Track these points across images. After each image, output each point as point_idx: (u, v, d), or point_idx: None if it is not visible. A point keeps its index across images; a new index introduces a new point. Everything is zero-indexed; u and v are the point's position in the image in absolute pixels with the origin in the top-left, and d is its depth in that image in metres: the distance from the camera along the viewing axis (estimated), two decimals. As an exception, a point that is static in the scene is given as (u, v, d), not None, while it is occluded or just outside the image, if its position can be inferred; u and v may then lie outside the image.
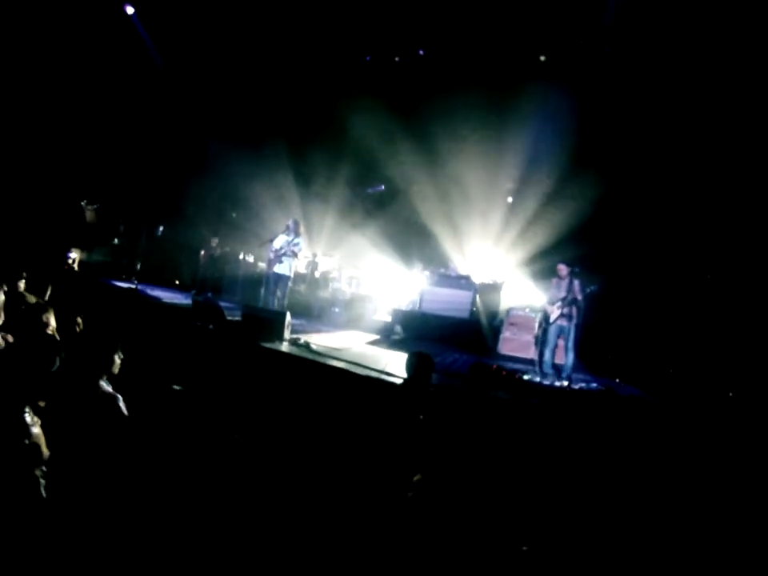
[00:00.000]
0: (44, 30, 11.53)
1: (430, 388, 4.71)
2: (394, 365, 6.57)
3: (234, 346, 6.64)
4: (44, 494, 2.25)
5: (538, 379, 7.69)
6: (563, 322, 7.85)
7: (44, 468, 2.28)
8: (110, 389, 3.02)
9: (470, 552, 2.01)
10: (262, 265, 11.75)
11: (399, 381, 5.61)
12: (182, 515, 2.91)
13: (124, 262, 12.48)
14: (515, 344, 9.66)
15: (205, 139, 13.74)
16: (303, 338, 7.31)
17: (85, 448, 2.63)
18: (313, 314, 11.38)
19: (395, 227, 13.62)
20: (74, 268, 11.55)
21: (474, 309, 10.52)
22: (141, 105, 13.34)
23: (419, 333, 10.15)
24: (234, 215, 14.61)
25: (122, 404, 2.98)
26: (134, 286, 10.03)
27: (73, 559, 2.32)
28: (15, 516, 2.11)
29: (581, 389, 7.39)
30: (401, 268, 12.60)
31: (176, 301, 9.82)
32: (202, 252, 12.51)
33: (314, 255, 12.65)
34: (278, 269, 9.56)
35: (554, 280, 8.10)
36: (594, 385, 7.79)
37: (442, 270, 11.50)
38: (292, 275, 9.81)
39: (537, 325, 8.84)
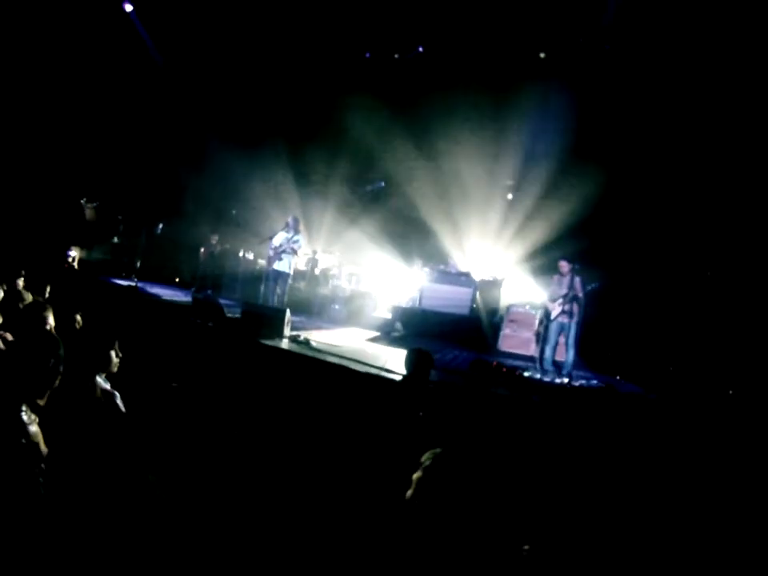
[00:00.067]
0: (44, 28, 11.50)
1: (429, 385, 4.70)
2: (394, 362, 6.57)
3: (233, 343, 6.63)
4: (42, 492, 2.25)
5: (538, 376, 7.68)
6: (564, 319, 7.84)
7: (42, 466, 2.27)
8: (107, 386, 3.02)
9: (471, 551, 2.00)
10: (262, 262, 11.75)
11: (399, 377, 5.60)
12: (180, 513, 2.91)
13: (124, 260, 12.48)
14: (515, 341, 9.65)
15: (204, 137, 13.73)
16: (303, 335, 7.30)
17: (83, 445, 2.63)
18: (313, 311, 11.37)
19: (395, 224, 13.61)
20: (73, 266, 11.55)
21: (474, 305, 10.51)
22: (140, 103, 13.32)
23: (419, 330, 10.14)
24: (233, 213, 14.61)
25: (119, 401, 2.97)
26: (133, 284, 10.03)
27: (72, 558, 2.31)
28: (14, 514, 2.10)
29: (581, 386, 7.38)
30: (401, 265, 12.59)
31: (176, 298, 9.81)
32: (202, 249, 12.51)
33: (314, 252, 12.64)
34: (278, 266, 9.56)
35: (556, 277, 8.08)
36: (595, 382, 7.78)
37: (442, 267, 11.49)
38: (292, 272, 9.81)
39: (537, 322, 8.82)
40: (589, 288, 7.86)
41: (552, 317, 7.92)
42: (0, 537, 2.04)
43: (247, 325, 7.33)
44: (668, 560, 3.25)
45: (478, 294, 10.60)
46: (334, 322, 10.75)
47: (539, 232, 11.64)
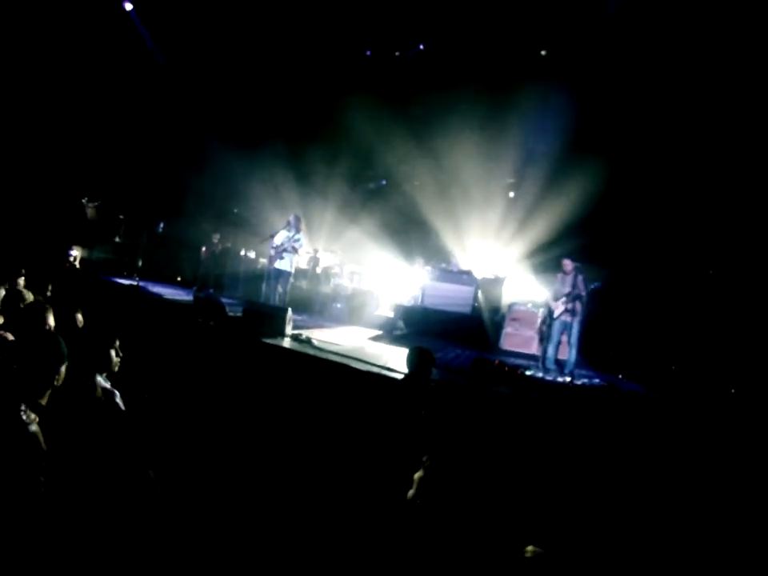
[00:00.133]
0: (44, 27, 11.50)
1: (431, 383, 4.69)
2: (396, 360, 6.55)
3: (235, 341, 6.63)
4: (43, 491, 2.24)
5: (540, 375, 7.65)
6: (567, 318, 7.82)
7: (43, 464, 2.27)
8: (107, 385, 3.01)
9: (472, 550, 1.99)
10: (263, 261, 11.75)
11: (401, 376, 5.59)
12: (180, 512, 2.90)
13: (125, 260, 12.50)
14: (517, 339, 9.64)
15: (205, 136, 13.72)
16: (305, 334, 7.29)
17: (83, 444, 2.62)
18: (314, 309, 11.37)
19: (396, 223, 13.61)
20: (75, 265, 11.56)
21: (476, 304, 10.49)
22: (141, 102, 13.32)
23: (421, 328, 10.12)
24: (234, 212, 14.62)
25: (119, 400, 2.96)
26: (135, 283, 10.02)
27: (72, 557, 2.31)
28: (15, 513, 2.10)
29: (583, 385, 7.36)
30: (402, 263, 12.59)
31: (177, 297, 9.80)
32: (203, 248, 12.52)
33: (315, 251, 12.64)
34: (279, 264, 9.55)
35: (559, 275, 8.07)
36: (597, 381, 7.76)
37: (444, 265, 11.48)
38: (293, 271, 9.80)
39: (539, 320, 8.80)
40: (591, 287, 7.85)
41: (555, 315, 7.91)
42: (1, 535, 2.03)
43: (249, 323, 7.32)
44: (670, 559, 3.24)
45: (479, 292, 10.58)
46: (336, 320, 10.74)
47: (541, 230, 11.63)
